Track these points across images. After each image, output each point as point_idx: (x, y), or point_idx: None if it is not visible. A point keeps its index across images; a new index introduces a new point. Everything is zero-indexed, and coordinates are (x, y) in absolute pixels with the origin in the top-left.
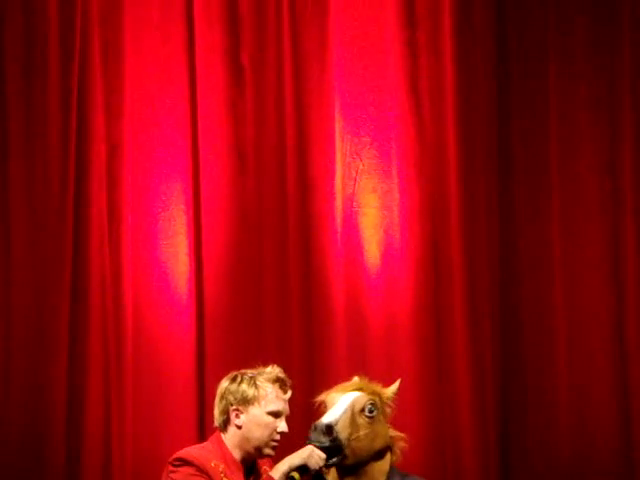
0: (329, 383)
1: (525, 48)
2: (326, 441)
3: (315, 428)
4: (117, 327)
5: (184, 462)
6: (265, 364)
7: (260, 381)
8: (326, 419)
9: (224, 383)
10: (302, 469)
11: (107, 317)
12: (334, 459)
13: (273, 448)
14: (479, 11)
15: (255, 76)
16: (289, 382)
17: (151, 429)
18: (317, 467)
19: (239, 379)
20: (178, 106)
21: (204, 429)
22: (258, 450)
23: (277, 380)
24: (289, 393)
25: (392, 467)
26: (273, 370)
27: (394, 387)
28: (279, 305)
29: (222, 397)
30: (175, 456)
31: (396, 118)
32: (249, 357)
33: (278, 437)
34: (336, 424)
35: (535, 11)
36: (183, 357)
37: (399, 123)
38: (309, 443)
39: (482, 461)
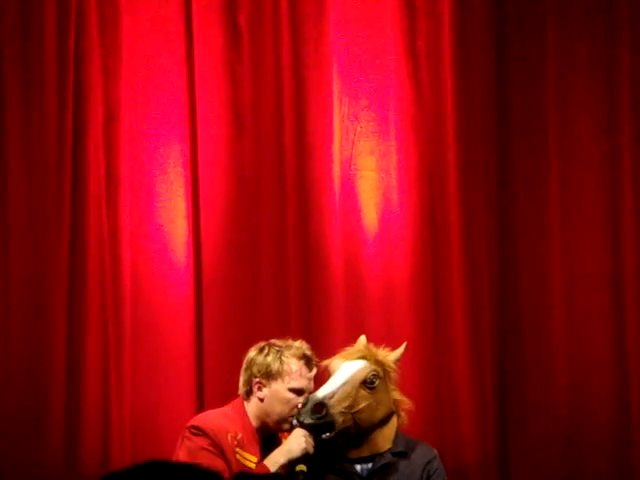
0: (327, 348)
1: (524, 11)
2: (314, 419)
3: (306, 404)
4: (115, 291)
5: (200, 432)
6: (294, 338)
7: (286, 356)
8: (320, 393)
9: (251, 353)
10: (304, 459)
11: (105, 282)
12: (326, 434)
13: (291, 423)
14: None
15: (252, 38)
16: (315, 360)
17: (149, 395)
18: (312, 450)
19: (266, 351)
20: (175, 69)
21: (202, 395)
22: (277, 424)
23: (303, 357)
24: (314, 371)
25: (397, 433)
26: (301, 346)
27: (399, 352)
28: (277, 269)
29: (247, 367)
30: (194, 423)
31: (394, 80)
32: (247, 321)
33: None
34: (330, 398)
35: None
36: (181, 321)
37: (397, 85)
38: (300, 420)
39: (480, 425)
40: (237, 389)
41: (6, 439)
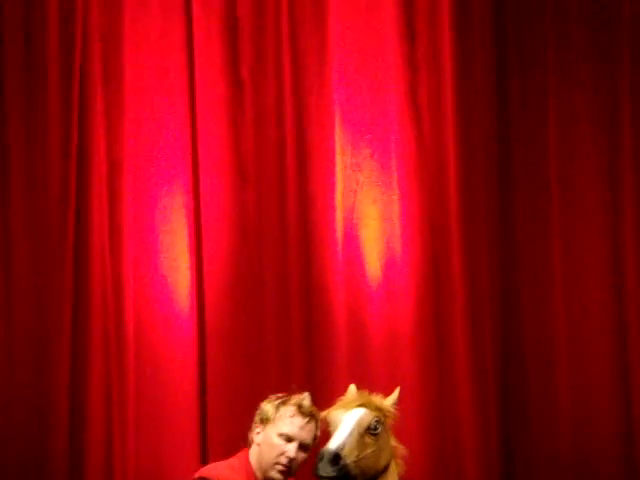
0: (330, 395)
1: (524, 60)
2: (334, 471)
3: (322, 457)
4: (119, 341)
5: None
6: (300, 391)
7: (284, 404)
8: (332, 445)
9: (263, 402)
10: None
11: (109, 332)
12: None
13: (280, 472)
14: (478, 25)
15: (255, 89)
16: (312, 411)
17: (153, 444)
18: None
19: (272, 400)
20: (178, 121)
21: (206, 443)
22: (265, 472)
23: (299, 406)
24: (307, 421)
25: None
26: (301, 397)
27: (394, 397)
28: (280, 317)
29: (255, 415)
30: (201, 474)
31: (396, 130)
32: (250, 370)
33: (284, 461)
34: (342, 449)
35: (534, 23)
36: (185, 370)
37: (399, 135)
38: (318, 475)
39: (485, 470)
40: (240, 437)
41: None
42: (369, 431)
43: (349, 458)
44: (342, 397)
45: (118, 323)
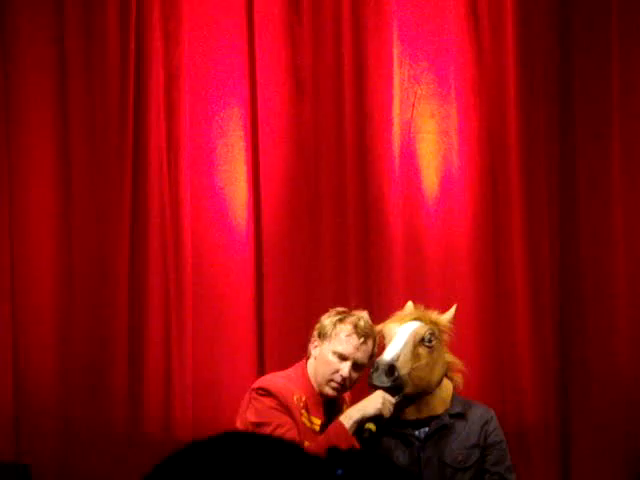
0: (386, 311)
1: None
2: (389, 381)
3: (377, 368)
4: (176, 255)
5: (268, 393)
6: (363, 307)
7: (342, 321)
8: (387, 356)
9: (324, 315)
10: (376, 419)
11: (167, 246)
12: (397, 397)
13: (334, 389)
14: None
15: (312, 1)
16: (369, 331)
17: (211, 358)
18: (389, 414)
19: (332, 315)
20: (235, 32)
21: (263, 357)
22: (319, 386)
23: (356, 326)
24: (362, 341)
25: (454, 395)
26: (359, 315)
27: (450, 314)
28: (337, 233)
29: (315, 329)
30: (260, 384)
31: (455, 43)
32: (306, 285)
33: (338, 379)
34: (397, 360)
35: None
36: (242, 286)
37: (458, 48)
38: (372, 385)
39: (541, 390)
40: (296, 352)
41: (72, 407)
42: (423, 343)
43: (404, 369)
44: (399, 312)
45: (176, 237)
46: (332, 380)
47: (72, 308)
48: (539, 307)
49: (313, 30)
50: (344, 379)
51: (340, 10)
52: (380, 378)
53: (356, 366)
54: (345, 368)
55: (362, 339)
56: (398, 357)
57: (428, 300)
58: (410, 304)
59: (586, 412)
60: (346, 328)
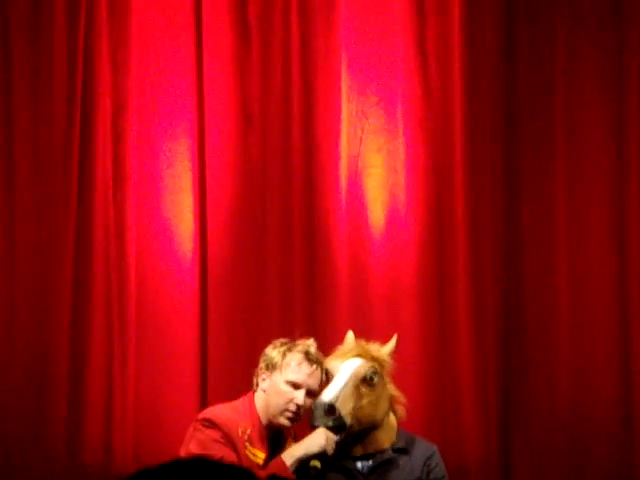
0: (331, 340)
1: (533, 9)
2: (330, 421)
3: (317, 408)
4: (120, 285)
5: (212, 424)
6: (308, 336)
7: (290, 350)
8: (326, 396)
9: (268, 347)
10: (320, 456)
11: (110, 275)
12: (340, 436)
13: (288, 419)
14: None
15: (262, 34)
16: (318, 358)
17: (153, 390)
18: (333, 451)
19: (277, 345)
20: (184, 63)
21: (206, 390)
22: (274, 418)
23: (305, 353)
24: (314, 368)
25: (398, 429)
26: (307, 343)
27: (391, 345)
28: (282, 264)
29: (260, 361)
30: (204, 415)
31: (403, 78)
32: (252, 318)
33: (293, 408)
34: (336, 400)
35: None
36: (186, 316)
37: (406, 83)
38: (313, 425)
39: (482, 422)
40: (240, 385)
41: (9, 437)
42: (365, 382)
43: (344, 409)
44: (340, 345)
45: (120, 266)
46: (287, 410)
47: (11, 338)
48: (482, 341)
49: (262, 62)
50: (299, 407)
51: (289, 43)
52: (321, 418)
53: (309, 393)
54: (300, 396)
55: (314, 366)
56: (337, 397)
57: (373, 332)
58: (351, 334)
59: (527, 447)
60: (296, 357)
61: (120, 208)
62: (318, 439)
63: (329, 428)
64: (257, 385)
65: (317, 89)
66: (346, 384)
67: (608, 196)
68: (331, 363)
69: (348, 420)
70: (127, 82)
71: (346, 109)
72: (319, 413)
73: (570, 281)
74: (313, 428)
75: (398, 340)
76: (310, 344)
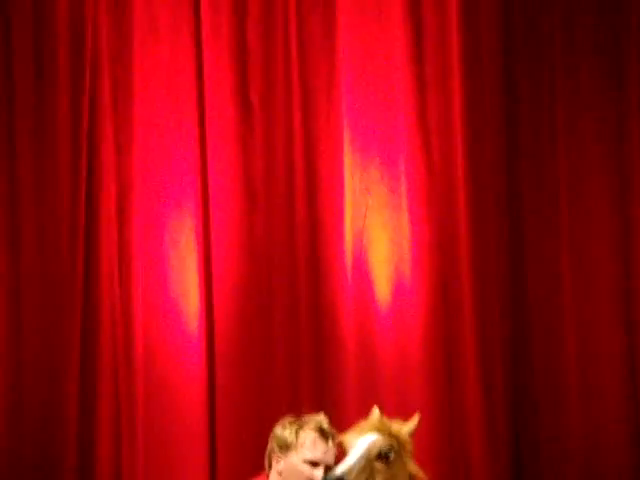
0: (340, 419)
1: (533, 85)
2: None
3: None
4: (128, 368)
5: None
6: (317, 412)
7: (302, 429)
8: (339, 470)
9: (275, 428)
10: None
11: (118, 358)
12: None
13: None
14: (487, 47)
15: (264, 113)
16: (332, 433)
17: (162, 469)
18: None
19: (286, 425)
20: (188, 144)
21: (215, 468)
22: None
23: (319, 430)
24: (330, 445)
25: None
26: (319, 419)
27: (413, 423)
28: (289, 342)
29: (269, 441)
30: None
31: (405, 154)
32: (260, 395)
33: None
34: (348, 474)
35: (543, 48)
36: (194, 395)
37: (408, 158)
38: None
39: None
40: (250, 465)
41: None
42: (380, 457)
43: None
44: (362, 421)
45: (127, 348)
46: None
47: (20, 423)
48: (492, 417)
49: (265, 141)
50: None
51: (291, 121)
52: None
53: (326, 469)
54: (319, 474)
55: (329, 442)
56: (351, 471)
57: (382, 406)
58: (376, 411)
59: None
60: (310, 435)
61: (126, 289)
62: None
63: None
64: (270, 467)
65: (320, 166)
66: (360, 458)
67: (612, 252)
68: (347, 438)
69: None
70: (131, 163)
71: (349, 185)
72: None
73: (578, 351)
74: None
75: (420, 419)
76: (321, 420)
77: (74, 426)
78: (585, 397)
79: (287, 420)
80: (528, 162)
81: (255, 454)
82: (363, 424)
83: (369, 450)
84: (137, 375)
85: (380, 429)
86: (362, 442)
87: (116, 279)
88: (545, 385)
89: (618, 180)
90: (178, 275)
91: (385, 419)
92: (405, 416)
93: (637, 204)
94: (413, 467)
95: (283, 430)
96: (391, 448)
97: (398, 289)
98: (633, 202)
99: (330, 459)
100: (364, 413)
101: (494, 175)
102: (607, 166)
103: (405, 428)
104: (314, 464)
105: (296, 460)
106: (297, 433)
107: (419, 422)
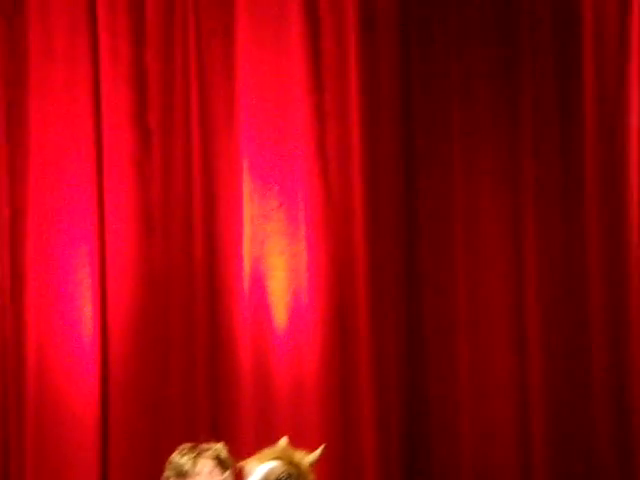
0: (236, 445)
1: (430, 109)
2: None
3: None
4: (19, 392)
5: None
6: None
7: (200, 457)
8: None
9: (174, 453)
10: None
11: (7, 382)
12: None
13: None
14: (385, 75)
15: (162, 138)
16: (230, 462)
17: None
18: None
19: (184, 452)
20: (84, 169)
21: None
22: None
23: (216, 458)
24: (227, 474)
25: None
26: (217, 448)
27: (315, 454)
28: (186, 368)
29: (166, 468)
30: None
31: (304, 181)
32: (155, 422)
33: None
34: None
35: (439, 72)
36: (87, 422)
37: (307, 186)
38: None
39: None
40: None
41: None
42: None
43: None
44: (266, 449)
45: (18, 377)
46: None
47: None
48: (385, 444)
49: (162, 166)
50: None
51: (190, 146)
52: None
53: None
54: None
55: (227, 472)
56: None
57: (276, 434)
58: (284, 440)
59: None
60: (208, 463)
61: (18, 314)
62: None
63: None
64: None
65: (219, 192)
66: None
67: (506, 284)
68: (249, 464)
69: None
70: (26, 187)
71: (248, 212)
72: None
73: (472, 387)
74: None
75: (324, 450)
76: (220, 449)
77: None
78: (478, 410)
79: (185, 447)
80: (425, 190)
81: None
82: (266, 451)
83: (266, 477)
84: (28, 399)
85: (281, 457)
86: (261, 469)
87: (8, 308)
88: (440, 407)
89: (512, 210)
90: (73, 300)
91: (289, 448)
92: (300, 444)
93: (529, 234)
94: None
95: (181, 457)
96: (289, 476)
97: (295, 315)
98: (526, 232)
99: None
100: (260, 440)
101: (391, 203)
102: (500, 191)
103: (308, 458)
104: None
105: None
106: (194, 461)
107: (322, 453)
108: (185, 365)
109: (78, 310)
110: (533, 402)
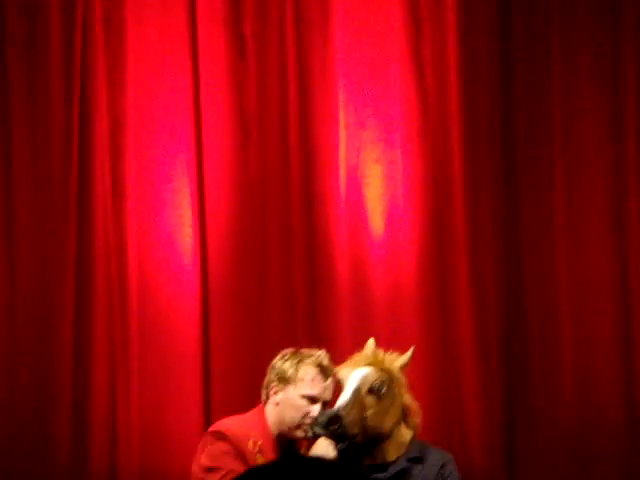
0: (334, 352)
1: (529, 20)
2: (332, 430)
3: (321, 417)
4: (122, 300)
5: (223, 437)
6: (319, 348)
7: (303, 363)
8: (336, 406)
9: (275, 359)
10: None
11: (112, 292)
12: (341, 444)
13: (305, 432)
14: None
15: (257, 47)
16: (331, 369)
17: (156, 401)
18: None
19: (286, 357)
20: (180, 78)
21: (209, 399)
22: (290, 431)
23: (319, 366)
24: (329, 381)
25: (412, 439)
26: (320, 355)
27: (406, 357)
28: (283, 276)
29: (268, 372)
30: (215, 428)
31: (399, 88)
32: (253, 328)
33: (310, 422)
34: (340, 410)
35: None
36: (188, 328)
37: (402, 92)
38: (316, 433)
39: (487, 429)
40: (245, 398)
41: (13, 457)
42: (372, 392)
43: (347, 418)
44: (357, 352)
45: (121, 282)
46: (304, 423)
47: (13, 356)
48: (484, 347)
49: (258, 76)
50: None
51: (285, 56)
52: (323, 428)
53: (324, 404)
54: (316, 410)
55: (328, 379)
56: (345, 406)
57: (375, 339)
58: (371, 342)
59: (531, 454)
60: (310, 370)
61: (120, 224)
62: (324, 450)
63: (331, 437)
64: (267, 397)
65: (314, 101)
66: (352, 393)
67: (607, 201)
68: (342, 371)
69: (351, 430)
70: (124, 99)
71: (343, 120)
72: (321, 421)
73: (571, 288)
74: (315, 437)
75: (414, 352)
76: (322, 356)
77: (69, 365)
78: (576, 326)
79: (287, 352)
80: (522, 99)
81: (250, 388)
82: (357, 357)
83: (361, 384)
84: (132, 310)
85: (373, 363)
86: (355, 376)
87: (109, 214)
88: (537, 316)
89: (613, 111)
90: (171, 210)
91: (379, 352)
92: (398, 348)
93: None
94: (407, 399)
95: (283, 362)
96: (383, 382)
97: (392, 223)
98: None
99: (328, 396)
100: (358, 345)
101: (488, 108)
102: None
103: (398, 361)
104: (312, 400)
105: (294, 394)
106: (297, 367)
107: (413, 355)
108: (283, 271)
109: (177, 217)
110: (635, 306)
